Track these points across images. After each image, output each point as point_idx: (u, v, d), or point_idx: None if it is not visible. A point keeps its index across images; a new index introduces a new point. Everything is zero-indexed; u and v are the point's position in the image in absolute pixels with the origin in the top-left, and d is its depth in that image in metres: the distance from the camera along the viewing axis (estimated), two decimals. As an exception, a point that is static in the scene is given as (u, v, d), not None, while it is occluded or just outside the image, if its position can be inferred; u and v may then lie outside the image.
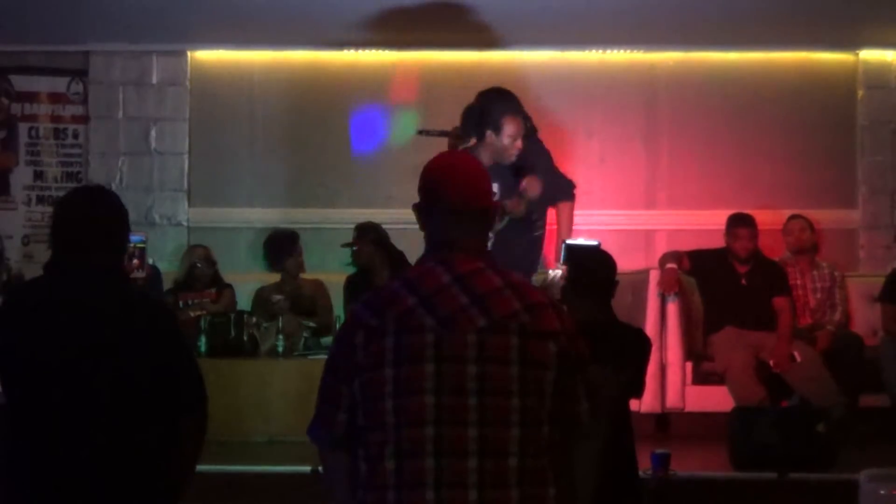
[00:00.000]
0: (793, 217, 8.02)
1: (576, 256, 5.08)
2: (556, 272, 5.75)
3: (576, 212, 7.11)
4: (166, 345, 3.38)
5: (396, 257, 7.43)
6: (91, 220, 3.44)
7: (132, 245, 4.02)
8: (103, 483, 3.27)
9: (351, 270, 7.80)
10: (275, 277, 8.02)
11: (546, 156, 6.74)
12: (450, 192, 2.87)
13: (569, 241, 5.76)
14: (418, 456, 2.67)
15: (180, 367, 3.41)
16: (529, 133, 6.65)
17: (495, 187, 6.30)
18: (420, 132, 7.26)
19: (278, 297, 7.51)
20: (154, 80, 8.74)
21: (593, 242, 5.59)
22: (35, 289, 3.55)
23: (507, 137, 6.36)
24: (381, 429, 2.70)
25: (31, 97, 8.79)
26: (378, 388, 2.72)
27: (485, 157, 6.25)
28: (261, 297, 7.84)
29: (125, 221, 3.53)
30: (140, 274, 4.13)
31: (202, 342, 7.00)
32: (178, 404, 3.39)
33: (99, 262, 3.40)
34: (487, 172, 2.99)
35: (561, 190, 6.76)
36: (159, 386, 3.33)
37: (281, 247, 8.01)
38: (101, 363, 3.28)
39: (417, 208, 2.95)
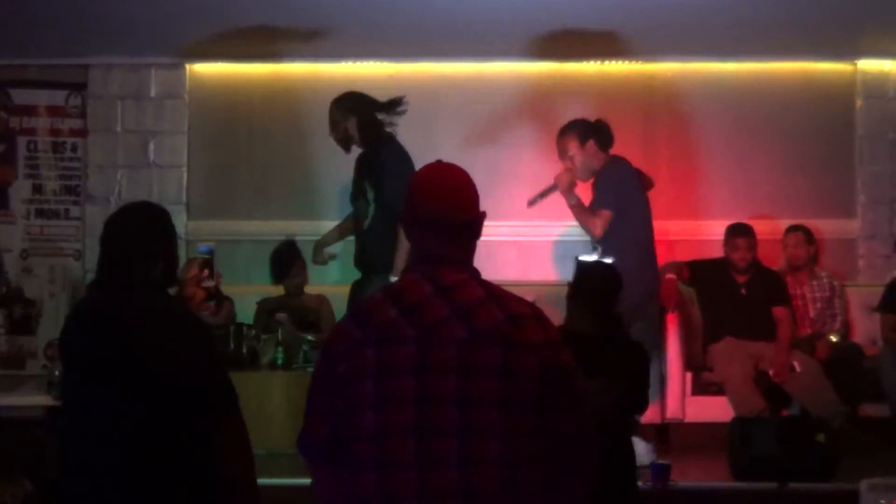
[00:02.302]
0: (790, 229, 8.00)
1: (580, 270, 5.10)
2: None
3: (577, 223, 7.16)
4: (196, 361, 3.40)
5: None
6: (129, 237, 3.51)
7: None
8: (140, 493, 3.30)
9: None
10: (276, 290, 8.01)
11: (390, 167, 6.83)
12: (434, 204, 2.86)
13: (580, 258, 5.79)
14: (400, 468, 2.67)
15: (208, 382, 3.42)
16: (387, 139, 6.92)
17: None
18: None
19: (281, 315, 7.48)
20: (152, 94, 8.74)
21: (607, 260, 5.61)
22: (83, 305, 3.63)
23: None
24: (364, 440, 2.70)
25: (29, 110, 8.78)
26: (360, 400, 2.72)
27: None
28: (263, 309, 7.81)
29: (166, 236, 3.58)
30: (209, 283, 4.17)
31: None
32: (208, 421, 3.41)
33: (138, 277, 3.46)
34: (473, 184, 2.94)
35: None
36: (190, 402, 3.35)
37: (287, 260, 7.97)
38: (133, 378, 3.32)
39: (404, 220, 2.94)
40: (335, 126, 7.10)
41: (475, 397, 2.69)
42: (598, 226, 6.95)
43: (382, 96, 7.17)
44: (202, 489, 3.36)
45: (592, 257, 5.97)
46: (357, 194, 7.12)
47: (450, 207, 2.86)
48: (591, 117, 7.35)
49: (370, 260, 7.01)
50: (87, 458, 3.34)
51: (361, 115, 6.98)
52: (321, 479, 2.86)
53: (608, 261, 5.53)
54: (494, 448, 2.67)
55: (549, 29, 7.92)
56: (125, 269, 3.47)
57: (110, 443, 3.31)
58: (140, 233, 3.52)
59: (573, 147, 7.19)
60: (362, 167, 7.09)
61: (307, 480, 5.67)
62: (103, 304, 3.47)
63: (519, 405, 2.71)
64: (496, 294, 2.82)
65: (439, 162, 2.99)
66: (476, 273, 2.87)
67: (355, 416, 2.72)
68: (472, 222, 2.90)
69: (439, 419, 2.67)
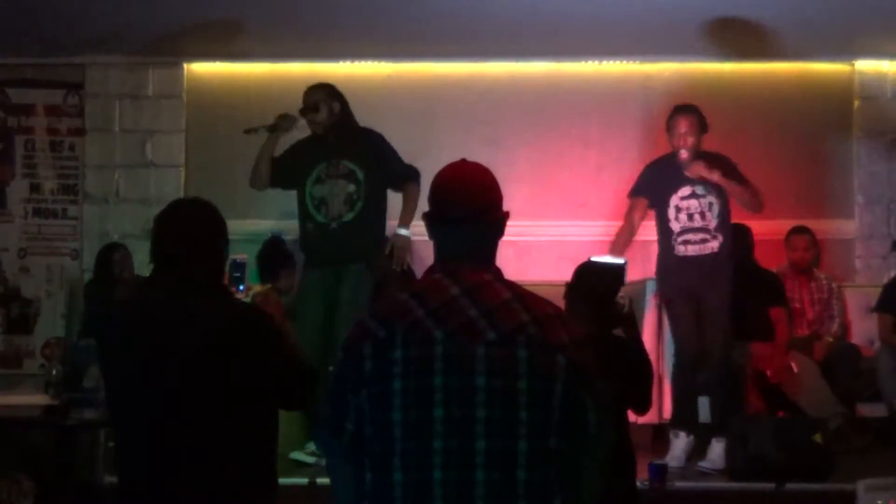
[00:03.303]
0: (796, 231, 7.98)
1: (580, 270, 5.09)
2: None
3: (575, 223, 7.10)
4: (266, 353, 3.41)
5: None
6: (179, 233, 3.49)
7: (229, 269, 4.09)
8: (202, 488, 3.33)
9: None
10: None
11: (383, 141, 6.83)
12: (457, 202, 2.87)
13: (593, 258, 5.79)
14: (425, 468, 2.68)
15: (280, 372, 3.45)
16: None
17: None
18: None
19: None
20: (150, 93, 8.74)
21: (619, 261, 5.59)
22: (134, 304, 3.64)
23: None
24: (389, 440, 2.70)
25: (27, 110, 8.79)
26: (386, 401, 2.72)
27: None
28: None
29: (216, 232, 3.55)
30: (240, 294, 4.18)
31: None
32: (279, 406, 3.47)
33: (191, 273, 3.44)
34: (497, 183, 2.95)
35: (407, 171, 6.84)
36: (260, 390, 3.37)
37: (279, 260, 7.95)
38: (194, 374, 3.32)
39: (426, 218, 2.94)
40: (317, 107, 6.91)
41: (501, 398, 2.70)
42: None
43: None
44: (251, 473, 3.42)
45: (605, 258, 5.95)
46: (327, 178, 6.89)
47: (471, 206, 2.87)
48: (590, 117, 7.34)
49: (352, 247, 6.73)
50: (147, 451, 3.35)
51: (342, 103, 6.95)
52: (343, 477, 2.84)
53: (620, 261, 5.51)
54: (520, 448, 2.69)
55: (547, 29, 7.92)
56: (175, 267, 3.44)
57: (173, 440, 3.32)
58: (191, 231, 3.50)
59: (695, 130, 7.01)
60: (339, 150, 6.91)
61: (304, 479, 5.69)
62: (162, 303, 3.44)
63: (543, 405, 2.72)
64: (520, 294, 2.84)
65: (463, 160, 2.99)
66: (499, 273, 2.88)
67: (381, 416, 2.72)
68: (495, 221, 2.91)
69: (465, 420, 2.69)
